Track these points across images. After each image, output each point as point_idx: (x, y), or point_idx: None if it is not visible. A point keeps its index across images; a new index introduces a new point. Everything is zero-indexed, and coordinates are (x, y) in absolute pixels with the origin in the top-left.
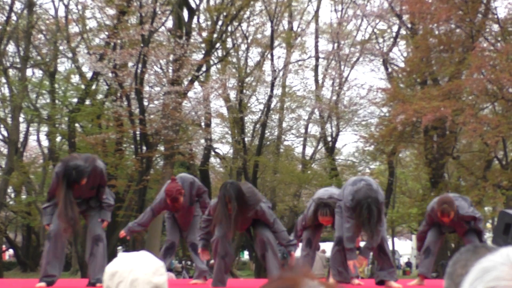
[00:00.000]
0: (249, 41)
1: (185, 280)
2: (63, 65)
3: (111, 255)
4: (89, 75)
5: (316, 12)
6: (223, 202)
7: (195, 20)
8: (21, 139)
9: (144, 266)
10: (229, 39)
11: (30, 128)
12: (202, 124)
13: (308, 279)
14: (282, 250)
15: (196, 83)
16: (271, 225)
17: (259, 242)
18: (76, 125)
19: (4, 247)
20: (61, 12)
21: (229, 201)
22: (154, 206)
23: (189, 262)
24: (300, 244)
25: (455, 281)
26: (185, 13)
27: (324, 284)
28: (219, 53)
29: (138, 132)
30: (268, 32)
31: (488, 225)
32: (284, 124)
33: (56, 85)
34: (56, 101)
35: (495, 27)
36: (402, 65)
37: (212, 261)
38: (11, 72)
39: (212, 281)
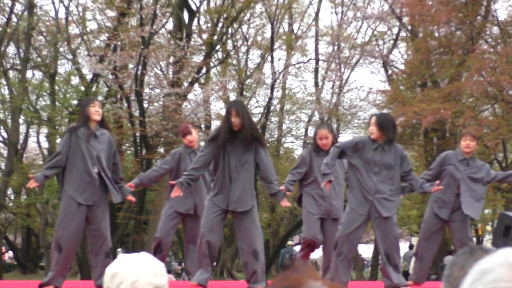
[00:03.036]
0: (249, 43)
1: (185, 282)
2: (63, 67)
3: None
4: (89, 76)
5: (317, 14)
6: (227, 117)
7: (195, 22)
8: (21, 141)
9: (144, 267)
10: (229, 41)
11: (30, 130)
12: (202, 126)
13: (312, 279)
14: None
15: (196, 85)
16: (263, 167)
17: (246, 248)
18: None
19: (3, 249)
20: (62, 14)
21: (235, 114)
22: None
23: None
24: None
25: (452, 283)
26: (186, 15)
27: (327, 284)
28: (219, 55)
29: (138, 134)
30: (268, 34)
31: (488, 227)
32: (284, 126)
33: (56, 87)
34: (56, 103)
35: (495, 29)
36: (402, 67)
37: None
38: (11, 73)
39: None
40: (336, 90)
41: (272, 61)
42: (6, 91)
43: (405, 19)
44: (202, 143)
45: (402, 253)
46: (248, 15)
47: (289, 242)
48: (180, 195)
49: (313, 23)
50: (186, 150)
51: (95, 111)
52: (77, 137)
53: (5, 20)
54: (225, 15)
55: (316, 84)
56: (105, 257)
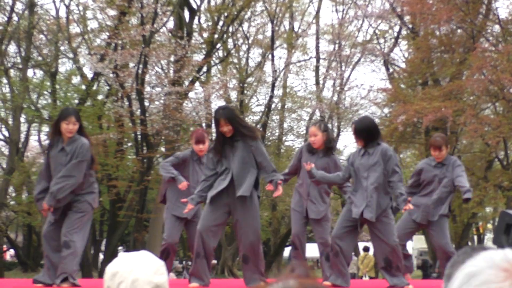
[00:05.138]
0: (250, 41)
1: (186, 281)
2: (64, 66)
3: (112, 255)
4: (90, 75)
5: (317, 13)
6: (217, 128)
7: (196, 20)
8: (22, 139)
9: (144, 266)
10: (230, 40)
11: (31, 129)
12: (203, 124)
13: (288, 278)
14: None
15: (197, 84)
16: (262, 161)
17: (243, 240)
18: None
19: (5, 247)
20: (62, 13)
21: (225, 123)
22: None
23: (189, 262)
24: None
25: None
26: (186, 14)
27: (302, 281)
28: (220, 53)
29: (139, 133)
30: (269, 33)
31: (489, 225)
32: (285, 125)
33: (57, 86)
34: (57, 102)
35: (496, 27)
36: (403, 65)
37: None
38: (12, 72)
39: (190, 279)
40: (337, 89)
41: (272, 60)
42: (7, 90)
43: (406, 18)
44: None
45: None
46: (248, 13)
47: None
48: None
49: (314, 21)
50: (192, 157)
51: (68, 130)
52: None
53: (6, 19)
54: (225, 14)
55: (317, 82)
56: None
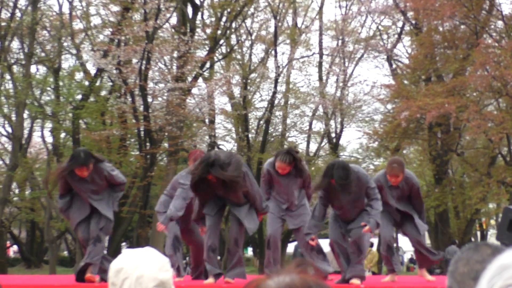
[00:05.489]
0: (253, 37)
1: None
2: (67, 62)
3: (116, 252)
4: (93, 71)
5: (320, 8)
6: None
7: (199, 16)
8: (25, 136)
9: (149, 262)
10: (233, 36)
11: (34, 125)
12: (206, 120)
13: (285, 273)
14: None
15: (200, 80)
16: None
17: (231, 233)
18: (80, 121)
19: (8, 243)
20: (65, 9)
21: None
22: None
23: None
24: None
25: (457, 279)
26: (189, 10)
27: (296, 275)
28: (223, 49)
29: (142, 129)
30: (272, 29)
31: (492, 221)
32: (288, 121)
33: (60, 82)
34: (60, 98)
35: (500, 23)
36: (406, 61)
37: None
38: (15, 68)
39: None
40: (340, 84)
41: (276, 56)
42: (10, 86)
43: (409, 14)
44: (206, 138)
45: (406, 248)
46: (251, 9)
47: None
48: None
49: (317, 17)
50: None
51: (82, 175)
52: None
53: (9, 15)
54: (228, 10)
55: (320, 78)
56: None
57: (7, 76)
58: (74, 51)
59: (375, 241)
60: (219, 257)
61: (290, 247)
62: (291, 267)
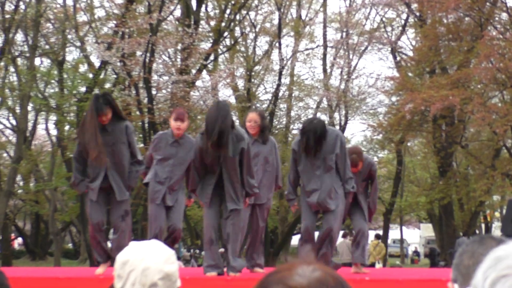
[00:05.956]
0: (257, 30)
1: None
2: (72, 54)
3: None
4: (97, 64)
5: (325, 0)
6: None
7: (203, 8)
8: (29, 128)
9: (155, 254)
10: (237, 28)
11: (39, 117)
12: None
13: (305, 264)
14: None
15: (204, 72)
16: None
17: (224, 228)
18: (84, 114)
19: (13, 235)
20: (69, 1)
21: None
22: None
23: (197, 251)
24: None
25: (462, 271)
26: (193, 2)
27: (320, 269)
28: (227, 42)
29: (146, 121)
30: (276, 21)
31: (497, 214)
32: (292, 113)
33: (65, 74)
34: (65, 90)
35: (504, 15)
36: (410, 54)
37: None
38: (19, 61)
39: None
40: (345, 77)
41: (280, 48)
42: (14, 79)
43: (414, 6)
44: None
45: (411, 240)
46: (256, 1)
47: None
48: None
49: (321, 9)
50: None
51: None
52: None
53: (13, 7)
54: (232, 2)
55: (325, 70)
56: None
57: (12, 69)
58: (78, 44)
59: (380, 232)
60: (222, 249)
61: (295, 240)
62: (308, 257)
